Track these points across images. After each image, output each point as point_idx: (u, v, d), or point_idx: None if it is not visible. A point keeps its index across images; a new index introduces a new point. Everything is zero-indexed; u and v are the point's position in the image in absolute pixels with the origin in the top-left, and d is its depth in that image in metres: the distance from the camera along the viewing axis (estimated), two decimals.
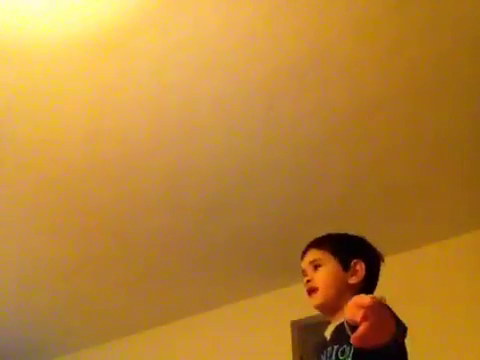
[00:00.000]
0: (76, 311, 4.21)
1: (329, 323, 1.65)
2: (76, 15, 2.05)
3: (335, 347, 1.53)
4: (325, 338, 1.62)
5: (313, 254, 1.70)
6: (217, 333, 4.08)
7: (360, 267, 1.63)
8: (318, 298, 1.63)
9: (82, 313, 4.25)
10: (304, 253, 1.74)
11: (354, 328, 1.21)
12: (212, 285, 3.88)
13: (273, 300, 3.88)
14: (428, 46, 2.19)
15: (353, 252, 1.67)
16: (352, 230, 1.71)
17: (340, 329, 1.53)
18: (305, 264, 1.72)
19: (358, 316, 1.19)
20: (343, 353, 1.51)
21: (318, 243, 1.72)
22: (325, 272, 1.65)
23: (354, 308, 1.23)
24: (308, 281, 1.66)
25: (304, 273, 1.71)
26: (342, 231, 1.73)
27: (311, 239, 1.74)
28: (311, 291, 1.65)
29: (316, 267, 1.67)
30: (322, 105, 2.46)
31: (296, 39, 2.16)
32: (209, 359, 4.03)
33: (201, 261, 3.58)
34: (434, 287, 3.23)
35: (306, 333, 3.59)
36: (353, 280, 1.62)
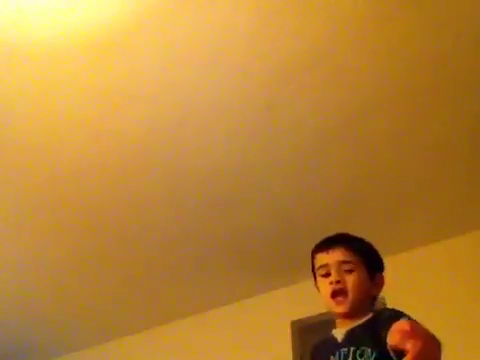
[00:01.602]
0: (76, 311, 4.21)
1: (333, 324, 1.63)
2: (76, 15, 2.05)
3: (351, 348, 1.49)
4: (334, 339, 1.58)
5: (344, 254, 1.61)
6: (217, 333, 4.08)
7: (382, 281, 1.64)
8: (347, 305, 1.56)
9: (82, 313, 4.25)
10: (330, 247, 1.63)
11: (397, 354, 1.31)
12: (212, 285, 3.88)
13: (273, 300, 3.87)
14: (428, 46, 2.19)
15: (378, 265, 1.66)
16: (352, 230, 1.71)
17: (355, 332, 1.53)
18: (332, 261, 1.61)
19: (406, 344, 1.26)
20: (362, 355, 1.47)
21: (350, 244, 1.63)
22: (358, 279, 1.58)
23: (398, 335, 1.30)
24: (338, 282, 1.57)
25: (327, 269, 1.61)
26: (346, 230, 1.71)
27: (312, 237, 1.69)
28: (339, 293, 1.57)
29: (347, 270, 1.59)
30: (321, 105, 2.46)
31: (296, 39, 2.16)
32: (209, 359, 4.03)
33: (201, 261, 3.58)
34: (434, 287, 3.23)
35: (306, 333, 3.59)
36: (376, 292, 1.61)
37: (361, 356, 1.47)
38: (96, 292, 3.95)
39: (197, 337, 4.19)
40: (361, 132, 2.60)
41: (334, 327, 1.63)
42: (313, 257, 1.68)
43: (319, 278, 1.63)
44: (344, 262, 1.59)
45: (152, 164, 2.80)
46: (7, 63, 2.23)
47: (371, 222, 3.15)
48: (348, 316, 1.57)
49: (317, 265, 1.64)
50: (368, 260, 1.62)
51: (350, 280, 1.57)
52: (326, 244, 1.65)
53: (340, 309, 1.56)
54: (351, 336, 1.54)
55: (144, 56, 2.24)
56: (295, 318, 3.67)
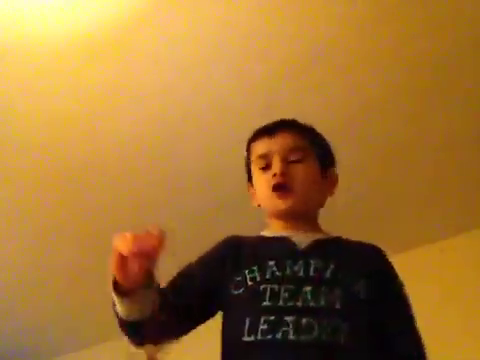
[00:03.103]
0: (76, 311, 4.21)
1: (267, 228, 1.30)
2: (76, 14, 2.05)
3: (331, 265, 1.14)
4: (290, 243, 1.20)
5: (293, 140, 1.26)
6: (217, 333, 4.08)
7: (336, 177, 1.33)
8: (293, 199, 1.22)
9: (82, 313, 4.24)
10: (274, 131, 1.28)
11: None
12: None
13: None
14: (429, 46, 2.19)
15: (331, 159, 1.35)
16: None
17: (329, 247, 1.21)
18: (276, 147, 1.25)
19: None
20: (347, 278, 1.14)
21: (301, 129, 1.31)
22: (308, 170, 1.24)
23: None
24: (283, 174, 1.21)
25: (269, 159, 1.25)
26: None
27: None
28: (287, 186, 1.21)
29: (295, 160, 1.24)
30: (321, 105, 2.46)
31: (295, 39, 2.17)
32: (209, 359, 4.03)
33: None
34: (434, 287, 3.23)
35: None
36: (329, 189, 1.32)
37: (344, 279, 1.12)
38: (96, 292, 3.94)
39: (197, 337, 4.18)
40: (361, 132, 2.60)
41: (269, 230, 1.28)
42: (250, 145, 1.36)
43: (257, 171, 1.30)
44: (292, 150, 1.25)
45: (152, 164, 2.80)
46: (6, 62, 2.23)
47: (371, 222, 3.15)
48: (293, 216, 1.25)
49: (255, 154, 1.31)
50: (320, 151, 1.31)
51: (298, 170, 1.22)
52: (268, 128, 1.30)
53: (283, 205, 1.21)
54: (323, 250, 1.19)
55: (144, 56, 2.24)
56: None
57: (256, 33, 2.14)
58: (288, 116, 2.50)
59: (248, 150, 1.36)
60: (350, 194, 3.00)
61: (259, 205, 1.33)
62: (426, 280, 3.27)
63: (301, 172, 1.23)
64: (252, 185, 1.35)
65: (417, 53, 2.22)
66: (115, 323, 1.22)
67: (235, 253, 1.26)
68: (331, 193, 1.33)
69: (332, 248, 1.21)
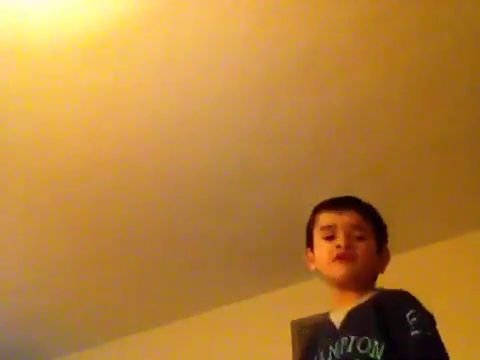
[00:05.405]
0: (76, 311, 4.21)
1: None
2: (76, 15, 2.05)
3: (352, 338, 1.24)
4: (332, 325, 1.33)
5: (358, 219, 1.40)
6: (217, 333, 4.08)
7: (388, 255, 1.44)
8: (351, 268, 1.33)
9: (82, 313, 4.24)
10: (341, 207, 1.42)
11: None
12: (212, 285, 3.87)
13: (273, 300, 3.87)
14: (428, 46, 2.19)
15: (385, 236, 1.47)
16: None
17: (356, 315, 1.30)
18: (342, 223, 1.39)
19: None
20: (364, 346, 1.21)
21: (365, 210, 1.45)
22: (368, 248, 1.37)
23: None
24: (348, 247, 1.35)
25: (333, 231, 1.39)
26: None
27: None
28: (349, 257, 1.35)
29: (358, 237, 1.38)
30: (321, 105, 2.46)
31: (295, 39, 2.16)
32: (209, 359, 4.03)
33: (201, 261, 3.58)
34: (434, 287, 3.23)
35: (306, 333, 3.59)
36: (381, 268, 1.42)
37: (363, 348, 1.21)
38: (96, 292, 3.95)
39: (197, 337, 4.18)
40: (360, 133, 2.60)
41: (330, 311, 1.42)
42: (315, 215, 1.47)
43: (320, 240, 1.42)
44: (355, 227, 1.39)
45: (152, 164, 2.80)
46: (7, 63, 2.23)
47: None
48: (348, 284, 1.36)
49: (320, 224, 1.43)
50: (378, 229, 1.44)
51: (360, 247, 1.36)
52: (336, 203, 1.44)
53: (342, 270, 1.34)
54: (351, 321, 1.30)
55: (143, 56, 2.23)
56: (295, 318, 3.66)
57: (256, 34, 2.14)
58: (288, 117, 2.52)
59: (313, 218, 1.48)
60: (349, 193, 3.00)
61: (316, 268, 1.45)
62: (427, 279, 3.28)
63: (362, 247, 1.36)
64: (311, 250, 1.47)
65: (416, 53, 2.22)
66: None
67: (309, 355, 1.39)
68: (382, 269, 1.42)
69: (358, 315, 1.29)
